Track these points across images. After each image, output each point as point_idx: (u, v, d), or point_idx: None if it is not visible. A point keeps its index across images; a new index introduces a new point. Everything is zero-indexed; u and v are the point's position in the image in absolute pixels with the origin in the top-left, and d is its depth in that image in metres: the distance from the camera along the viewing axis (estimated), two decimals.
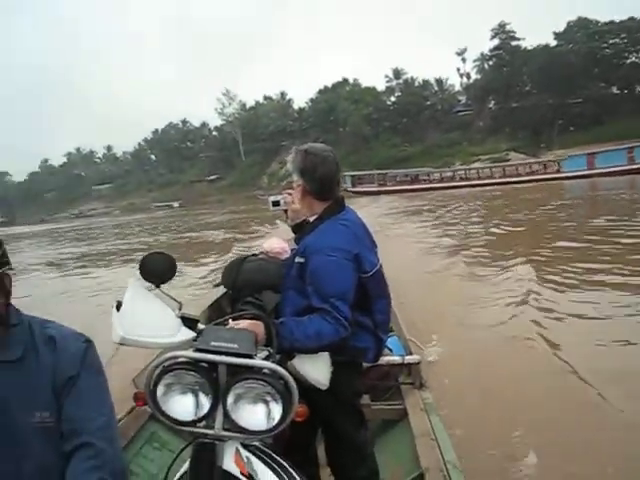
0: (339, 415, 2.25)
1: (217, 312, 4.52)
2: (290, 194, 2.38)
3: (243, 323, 1.86)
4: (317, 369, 1.91)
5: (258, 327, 1.82)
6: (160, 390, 1.57)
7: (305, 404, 1.62)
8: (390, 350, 3.53)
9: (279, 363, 1.64)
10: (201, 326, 1.81)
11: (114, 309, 1.72)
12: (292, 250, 2.58)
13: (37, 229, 60.00)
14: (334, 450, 2.32)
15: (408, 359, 3.28)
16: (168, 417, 1.60)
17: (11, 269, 1.43)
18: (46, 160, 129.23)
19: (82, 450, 1.33)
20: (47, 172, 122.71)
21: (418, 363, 3.25)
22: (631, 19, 60.01)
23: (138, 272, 1.88)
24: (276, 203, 2.60)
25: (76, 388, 1.39)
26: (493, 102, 66.73)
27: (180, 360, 1.59)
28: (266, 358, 1.73)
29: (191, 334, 1.76)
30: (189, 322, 1.80)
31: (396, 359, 3.30)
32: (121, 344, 1.66)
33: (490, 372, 4.65)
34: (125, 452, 2.56)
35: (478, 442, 3.45)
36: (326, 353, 1.99)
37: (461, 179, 44.44)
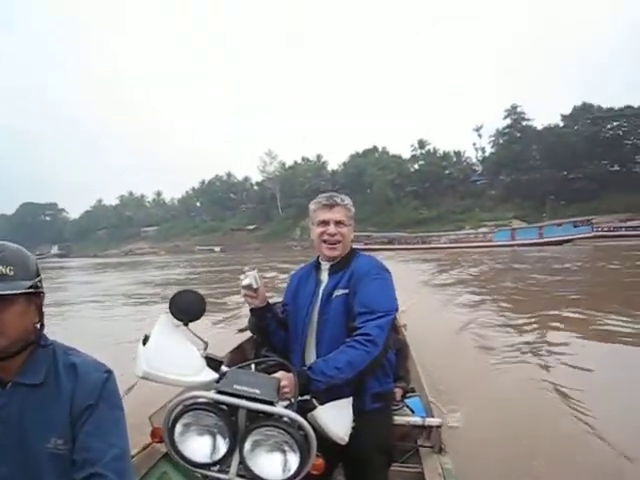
0: (374, 466, 2.20)
1: (240, 356, 4.50)
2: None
3: (277, 374, 1.79)
4: (337, 423, 1.78)
5: (288, 378, 1.76)
6: (178, 429, 1.55)
7: (323, 458, 1.54)
8: (412, 411, 3.50)
9: (300, 414, 1.56)
10: (224, 368, 1.79)
11: (140, 343, 1.70)
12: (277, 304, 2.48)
13: (90, 262, 65.99)
14: None
15: (429, 421, 3.15)
16: (183, 457, 1.56)
17: (43, 293, 1.49)
18: (100, 200, 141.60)
19: None
20: (100, 211, 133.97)
21: (439, 426, 3.11)
22: (629, 107, 67.06)
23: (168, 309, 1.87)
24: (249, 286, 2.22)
25: (93, 418, 1.40)
26: (505, 174, 73.30)
27: (201, 400, 1.56)
28: (287, 407, 1.63)
29: (214, 375, 1.74)
30: (213, 363, 1.79)
31: (417, 420, 3.18)
32: (144, 378, 1.63)
33: (513, 444, 4.43)
34: None
35: None
36: (349, 408, 1.91)
37: (423, 242, 54.42)
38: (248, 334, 4.83)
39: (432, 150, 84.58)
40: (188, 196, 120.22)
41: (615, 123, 68.05)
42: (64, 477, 1.37)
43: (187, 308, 1.87)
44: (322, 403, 1.80)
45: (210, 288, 19.34)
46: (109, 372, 1.50)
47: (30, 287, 1.40)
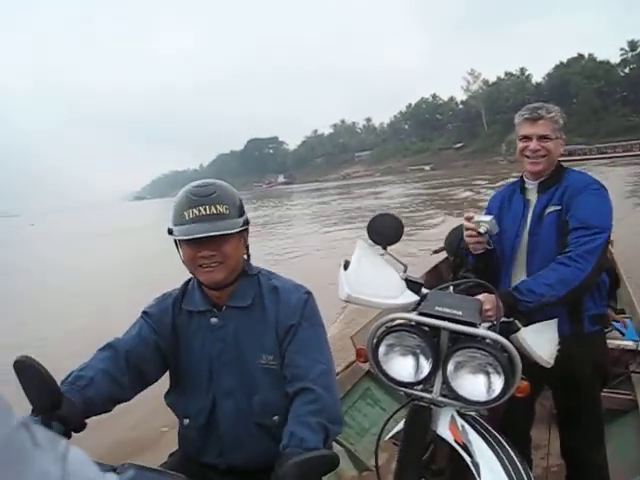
0: (590, 391, 2.16)
1: (436, 277, 4.45)
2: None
3: (479, 296, 1.73)
4: (542, 345, 1.73)
5: (490, 299, 1.72)
6: (382, 349, 1.57)
7: (527, 381, 1.51)
8: (622, 334, 3.30)
9: (503, 336, 1.51)
10: (425, 290, 1.78)
11: (342, 268, 1.76)
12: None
13: (313, 186, 78.15)
14: (572, 430, 2.23)
15: None
16: (387, 376, 1.59)
17: (248, 228, 1.63)
18: (315, 131, 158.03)
19: (303, 394, 1.45)
20: (316, 141, 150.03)
21: None
22: None
23: (366, 234, 1.89)
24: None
25: (297, 336, 1.54)
26: None
27: (403, 322, 1.58)
28: (489, 329, 1.62)
29: (414, 297, 1.74)
30: (413, 285, 1.78)
31: (629, 344, 3.06)
32: (347, 301, 1.71)
33: None
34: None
35: None
36: (554, 330, 1.81)
37: (600, 153, 57.32)
38: (444, 255, 4.82)
39: None
40: (396, 120, 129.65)
41: None
42: (277, 388, 1.55)
43: (385, 232, 1.86)
44: (525, 325, 1.74)
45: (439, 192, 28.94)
46: (309, 293, 1.63)
47: (242, 225, 1.54)
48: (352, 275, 1.73)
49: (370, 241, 1.89)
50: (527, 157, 2.10)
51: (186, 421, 1.63)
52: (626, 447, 2.66)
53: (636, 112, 74.40)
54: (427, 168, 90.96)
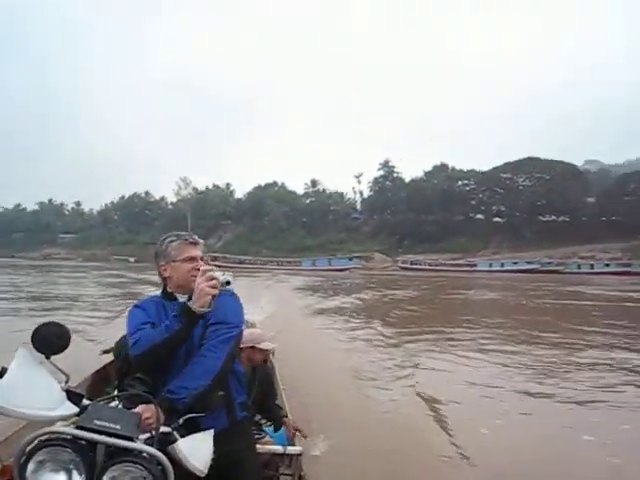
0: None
1: (102, 380, 4.38)
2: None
3: (137, 408, 1.81)
4: (197, 455, 1.76)
5: (149, 409, 1.80)
6: (31, 466, 1.47)
7: None
8: (274, 439, 3.60)
9: (163, 446, 1.58)
10: (86, 402, 1.75)
11: None
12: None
13: (7, 261, 71.52)
14: None
15: (290, 450, 3.24)
16: None
17: None
18: (18, 205, 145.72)
19: None
20: (16, 215, 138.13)
21: (299, 455, 3.21)
22: (472, 170, 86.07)
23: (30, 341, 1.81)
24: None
25: None
26: (377, 215, 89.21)
27: (58, 436, 1.51)
28: (149, 440, 1.67)
29: (74, 409, 1.71)
30: (74, 396, 1.75)
31: (278, 449, 3.26)
32: None
33: (375, 472, 4.54)
34: None
35: None
36: (209, 440, 1.85)
37: (262, 264, 69.03)
38: (112, 356, 4.66)
39: (321, 189, 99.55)
40: (107, 209, 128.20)
41: (464, 181, 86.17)
42: None
43: (50, 341, 1.81)
44: (183, 436, 1.80)
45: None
46: None
47: None
48: (7, 384, 1.63)
49: (33, 349, 1.83)
50: (194, 277, 2.24)
51: None
52: None
53: (310, 235, 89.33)
54: (131, 260, 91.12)
